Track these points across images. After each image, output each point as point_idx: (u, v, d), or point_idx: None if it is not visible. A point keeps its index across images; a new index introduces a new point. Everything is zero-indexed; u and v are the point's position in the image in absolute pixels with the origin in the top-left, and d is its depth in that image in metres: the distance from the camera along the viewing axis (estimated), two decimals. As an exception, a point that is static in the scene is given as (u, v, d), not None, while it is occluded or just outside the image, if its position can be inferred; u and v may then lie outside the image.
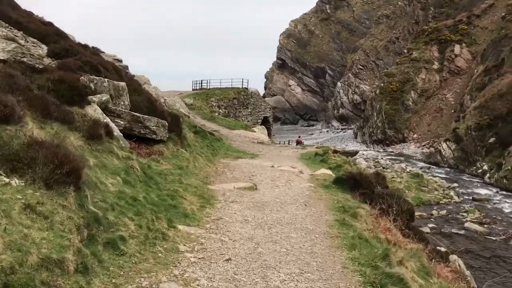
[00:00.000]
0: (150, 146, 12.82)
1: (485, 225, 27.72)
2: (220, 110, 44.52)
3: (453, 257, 14.42)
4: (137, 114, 12.26)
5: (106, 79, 12.34)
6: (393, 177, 37.48)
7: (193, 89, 50.20)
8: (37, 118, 7.15)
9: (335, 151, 24.32)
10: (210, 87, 49.34)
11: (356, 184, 12.43)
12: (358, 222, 8.85)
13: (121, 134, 11.26)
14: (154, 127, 12.77)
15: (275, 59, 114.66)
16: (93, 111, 10.85)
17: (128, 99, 12.93)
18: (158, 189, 8.75)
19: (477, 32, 68.19)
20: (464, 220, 28.91)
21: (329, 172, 15.11)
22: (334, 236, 7.81)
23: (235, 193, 10.84)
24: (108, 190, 6.80)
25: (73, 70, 11.52)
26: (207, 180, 12.07)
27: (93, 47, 27.12)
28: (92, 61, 12.79)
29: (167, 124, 13.53)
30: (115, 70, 15.54)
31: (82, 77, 11.88)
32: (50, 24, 22.32)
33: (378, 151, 60.76)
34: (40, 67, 9.96)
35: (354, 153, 33.31)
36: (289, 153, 23.23)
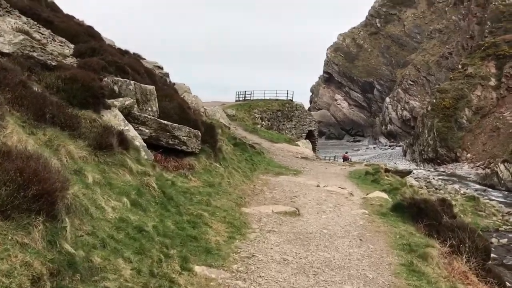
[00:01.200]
0: (179, 159, 11.26)
1: (554, 258, 24.55)
2: (263, 122, 42.98)
3: None
4: (165, 122, 10.75)
5: (132, 82, 10.95)
6: (446, 200, 34.65)
7: (236, 100, 48.99)
8: (28, 121, 5.71)
9: (386, 170, 22.12)
10: (254, 98, 47.93)
11: (420, 213, 10.32)
12: (429, 266, 6.83)
13: (145, 144, 9.76)
14: (184, 137, 11.21)
15: (321, 73, 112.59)
16: (113, 116, 9.42)
17: (157, 105, 11.48)
18: (178, 214, 7.07)
19: (540, 47, 63.71)
20: (531, 251, 25.81)
21: (384, 195, 13.02)
22: (403, 291, 5.84)
23: (273, 219, 8.98)
24: (104, 218, 5.18)
25: (95, 70, 10.19)
26: (241, 200, 10.28)
27: (134, 53, 26.40)
28: (118, 61, 11.46)
29: (200, 134, 11.96)
30: (148, 73, 14.23)
31: (105, 78, 10.55)
32: (90, 27, 21.61)
33: (428, 170, 57.37)
34: (53, 63, 8.66)
35: (407, 172, 30.70)
36: (336, 170, 21.23)
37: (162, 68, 29.87)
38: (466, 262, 8.72)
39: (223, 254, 6.36)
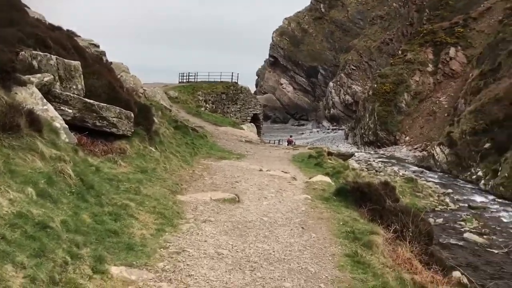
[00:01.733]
0: (109, 143, 10.27)
1: (485, 236, 25.76)
2: (207, 105, 42.02)
3: (457, 273, 12.61)
4: (92, 102, 9.71)
5: (54, 56, 9.78)
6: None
7: (179, 82, 47.48)
8: None
9: (329, 153, 22.07)
10: (198, 80, 46.65)
11: (363, 197, 9.99)
12: (374, 255, 6.42)
13: (66, 126, 8.71)
14: (114, 119, 10.22)
15: (267, 56, 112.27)
16: (29, 94, 8.30)
17: (83, 83, 10.37)
18: (98, 205, 6.18)
19: (473, 35, 66.45)
20: (463, 229, 26.94)
21: (327, 179, 12.68)
22: (348, 287, 5.34)
23: (210, 208, 8.27)
24: (-4, 213, 4.28)
25: (9, 42, 8.95)
26: (177, 187, 9.47)
27: (67, 30, 24.61)
28: (38, 33, 10.20)
29: (132, 115, 10.98)
30: (76, 49, 12.96)
31: (23, 52, 9.34)
32: None
33: (369, 152, 58.86)
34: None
35: (350, 155, 31.01)
36: (279, 154, 20.86)
37: (98, 46, 28.17)
38: (410, 247, 8.51)
39: (148, 250, 5.57)
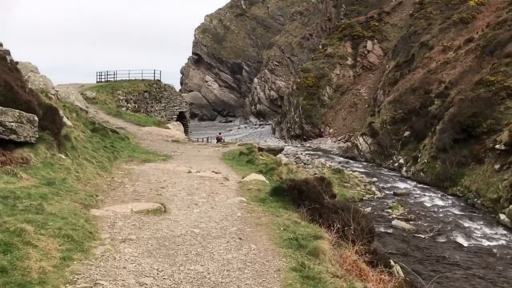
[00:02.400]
0: (8, 152, 8.71)
1: (411, 222, 26.69)
2: (129, 105, 39.87)
3: (391, 262, 12.56)
4: (-19, 105, 8.13)
5: None
6: (315, 174, 35.80)
7: (97, 82, 44.66)
8: None
9: (260, 149, 21.47)
10: (117, 79, 44.14)
11: (301, 196, 9.33)
12: (322, 264, 5.68)
13: None
14: (13, 124, 8.67)
15: (190, 54, 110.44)
16: None
17: (-30, 83, 8.72)
18: (-17, 233, 4.87)
19: (388, 29, 69.79)
20: (390, 217, 27.68)
21: (261, 177, 11.90)
22: (300, 312, 4.52)
23: (131, 222, 7.08)
24: None
25: None
26: (91, 200, 8.13)
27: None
28: None
29: (36, 119, 9.45)
30: (-35, 45, 11.02)
31: None
32: None
33: (296, 146, 59.69)
34: None
35: (279, 150, 30.76)
36: (209, 152, 19.86)
37: (1, 45, 25.51)
38: (354, 247, 7.96)
39: (48, 288, 4.37)
